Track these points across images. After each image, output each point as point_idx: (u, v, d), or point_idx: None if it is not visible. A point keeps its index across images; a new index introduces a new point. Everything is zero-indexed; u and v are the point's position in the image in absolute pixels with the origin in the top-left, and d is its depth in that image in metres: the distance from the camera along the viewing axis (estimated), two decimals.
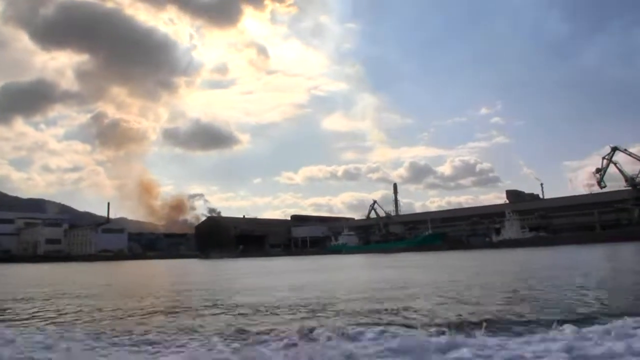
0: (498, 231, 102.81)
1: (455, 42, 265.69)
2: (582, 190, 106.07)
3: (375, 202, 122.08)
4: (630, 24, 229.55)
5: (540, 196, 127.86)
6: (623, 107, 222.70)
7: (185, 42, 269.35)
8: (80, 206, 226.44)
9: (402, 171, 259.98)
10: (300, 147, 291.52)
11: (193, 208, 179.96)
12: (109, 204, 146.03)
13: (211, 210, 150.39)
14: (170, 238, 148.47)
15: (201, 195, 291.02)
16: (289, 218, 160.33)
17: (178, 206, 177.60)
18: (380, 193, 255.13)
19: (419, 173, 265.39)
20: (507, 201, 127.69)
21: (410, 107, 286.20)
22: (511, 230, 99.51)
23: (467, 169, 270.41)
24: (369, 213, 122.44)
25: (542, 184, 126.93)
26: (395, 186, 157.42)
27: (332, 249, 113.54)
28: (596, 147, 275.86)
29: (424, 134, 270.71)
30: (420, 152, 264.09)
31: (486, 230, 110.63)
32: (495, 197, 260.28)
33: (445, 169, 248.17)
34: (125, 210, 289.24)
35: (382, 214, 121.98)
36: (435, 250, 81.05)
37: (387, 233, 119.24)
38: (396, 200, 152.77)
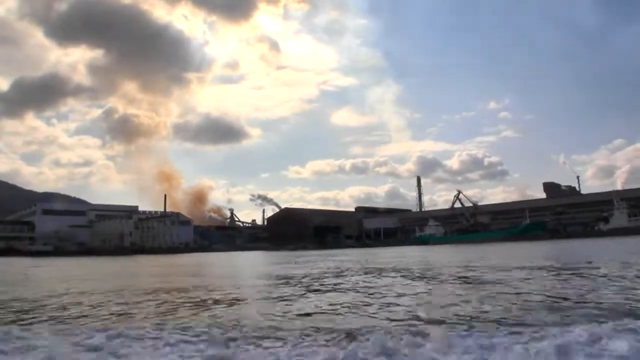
0: (606, 219, 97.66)
1: (465, 38, 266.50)
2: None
3: (459, 192, 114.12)
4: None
5: (577, 189, 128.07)
6: (630, 101, 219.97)
7: (199, 38, 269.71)
8: (94, 200, 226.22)
9: (410, 165, 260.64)
10: (308, 142, 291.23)
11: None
12: (165, 195, 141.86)
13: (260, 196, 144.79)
14: (222, 231, 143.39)
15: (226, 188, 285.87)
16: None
17: (199, 197, 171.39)
18: (388, 186, 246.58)
19: (427, 167, 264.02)
20: (545, 194, 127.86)
21: (420, 102, 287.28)
22: (621, 218, 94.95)
23: (475, 163, 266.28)
24: (453, 203, 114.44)
25: (578, 177, 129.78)
26: (419, 179, 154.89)
27: (417, 240, 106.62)
28: (604, 141, 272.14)
29: (432, 128, 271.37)
30: (428, 147, 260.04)
31: (586, 219, 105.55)
32: (502, 191, 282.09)
33: (453, 163, 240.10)
34: (145, 203, 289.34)
35: (467, 204, 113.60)
36: (536, 240, 75.20)
37: (475, 223, 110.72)
38: (420, 194, 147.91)
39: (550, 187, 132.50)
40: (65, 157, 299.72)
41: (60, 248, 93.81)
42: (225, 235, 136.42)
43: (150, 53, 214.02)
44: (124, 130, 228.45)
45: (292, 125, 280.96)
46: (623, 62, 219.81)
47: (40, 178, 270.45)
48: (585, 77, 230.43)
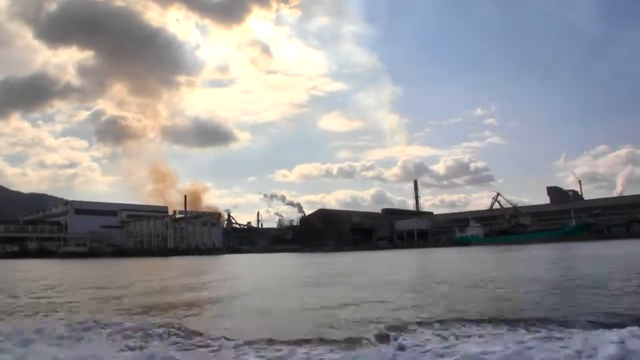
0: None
1: (454, 46, 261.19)
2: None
3: (498, 194, 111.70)
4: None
5: (579, 193, 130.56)
6: (614, 108, 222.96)
7: (191, 41, 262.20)
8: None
9: (396, 170, 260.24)
10: (296, 146, 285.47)
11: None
12: (185, 196, 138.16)
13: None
14: (237, 232, 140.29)
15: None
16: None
17: (194, 198, 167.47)
18: (374, 190, 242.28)
19: (414, 172, 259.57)
20: (549, 198, 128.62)
21: (408, 107, 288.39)
22: None
23: (461, 168, 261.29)
24: (492, 204, 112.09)
25: (580, 181, 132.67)
26: (415, 183, 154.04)
27: (458, 241, 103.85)
28: (586, 147, 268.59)
29: (419, 133, 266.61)
30: (415, 152, 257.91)
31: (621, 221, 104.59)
32: (487, 196, 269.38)
33: (439, 168, 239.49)
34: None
35: (506, 205, 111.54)
36: (585, 241, 74.99)
37: (516, 224, 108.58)
38: (416, 197, 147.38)
39: (555, 192, 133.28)
40: (50, 158, 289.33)
41: (95, 249, 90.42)
42: (243, 237, 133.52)
43: (141, 55, 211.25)
44: (111, 132, 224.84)
45: (281, 130, 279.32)
46: (607, 70, 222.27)
47: (23, 179, 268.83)
48: (569, 84, 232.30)
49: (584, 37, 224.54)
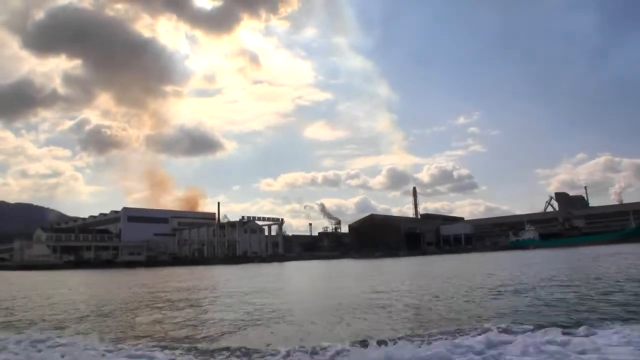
0: None
1: (437, 56, 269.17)
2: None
3: (552, 197, 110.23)
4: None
5: (585, 198, 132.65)
6: (593, 116, 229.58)
7: (180, 50, 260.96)
8: (70, 211, 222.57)
9: (381, 178, 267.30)
10: (281, 155, 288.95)
11: None
12: (219, 203, 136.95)
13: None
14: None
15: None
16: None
17: (191, 204, 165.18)
18: (358, 199, 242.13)
19: (398, 180, 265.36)
20: (557, 203, 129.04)
21: (393, 116, 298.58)
22: None
23: (444, 176, 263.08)
24: (546, 208, 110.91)
25: (585, 187, 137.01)
26: (414, 190, 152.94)
27: (514, 245, 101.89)
28: (567, 155, 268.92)
29: (404, 142, 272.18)
30: (399, 160, 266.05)
31: None
32: (470, 203, 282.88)
33: (423, 176, 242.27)
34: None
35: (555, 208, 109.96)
36: None
37: (570, 227, 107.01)
38: (415, 204, 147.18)
39: (562, 198, 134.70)
40: (33, 168, 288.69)
41: (152, 258, 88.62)
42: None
43: (130, 65, 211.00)
44: (95, 141, 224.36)
45: (266, 139, 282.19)
46: (587, 79, 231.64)
47: (3, 189, 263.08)
48: (549, 93, 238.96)
49: (564, 48, 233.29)
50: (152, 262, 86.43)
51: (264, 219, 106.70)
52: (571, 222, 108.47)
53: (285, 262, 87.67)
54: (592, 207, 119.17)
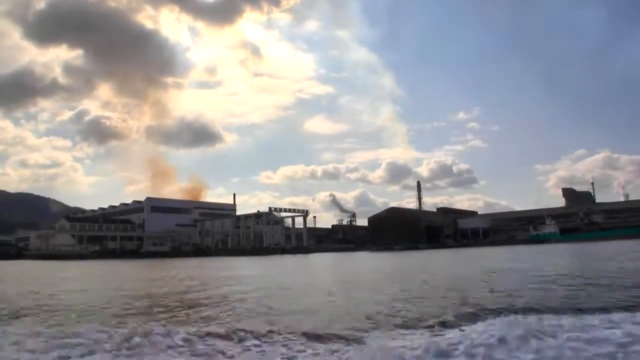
0: None
1: (439, 52, 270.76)
2: None
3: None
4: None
5: (592, 194, 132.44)
6: (593, 113, 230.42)
7: (182, 42, 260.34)
8: (64, 201, 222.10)
9: (380, 172, 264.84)
10: (281, 148, 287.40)
11: None
12: (234, 195, 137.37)
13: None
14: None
15: None
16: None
17: (195, 195, 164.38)
18: (357, 192, 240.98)
19: (397, 174, 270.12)
20: (564, 198, 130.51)
21: (394, 110, 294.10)
22: None
23: (444, 171, 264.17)
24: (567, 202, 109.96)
25: (592, 182, 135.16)
26: (419, 184, 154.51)
27: (534, 239, 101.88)
28: (566, 151, 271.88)
29: (404, 136, 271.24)
30: (398, 154, 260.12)
31: None
32: (468, 198, 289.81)
33: (422, 170, 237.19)
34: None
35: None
36: None
37: (589, 222, 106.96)
38: (419, 198, 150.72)
39: (569, 193, 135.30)
40: (32, 158, 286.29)
41: (176, 248, 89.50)
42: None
43: (131, 56, 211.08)
44: (95, 132, 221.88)
45: (266, 131, 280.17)
46: (588, 76, 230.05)
47: (3, 179, 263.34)
48: (550, 89, 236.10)
49: (563, 45, 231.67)
50: (176, 252, 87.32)
51: (288, 210, 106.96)
52: (590, 218, 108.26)
53: (309, 254, 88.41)
54: (612, 203, 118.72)
